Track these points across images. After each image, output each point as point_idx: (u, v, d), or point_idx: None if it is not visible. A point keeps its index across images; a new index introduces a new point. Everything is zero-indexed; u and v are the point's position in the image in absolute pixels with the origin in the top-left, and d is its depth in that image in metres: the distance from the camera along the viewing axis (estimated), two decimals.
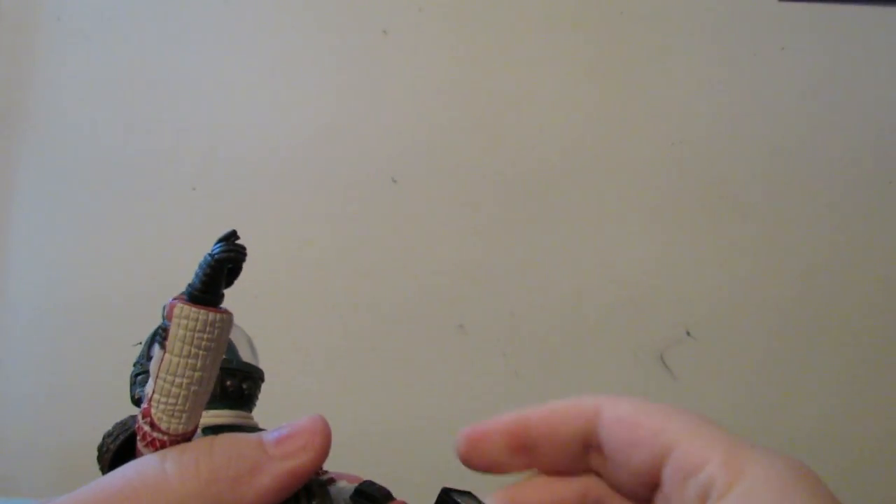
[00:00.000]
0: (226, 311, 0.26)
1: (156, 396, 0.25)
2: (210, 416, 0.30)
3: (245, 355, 0.34)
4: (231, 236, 0.26)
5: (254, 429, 0.32)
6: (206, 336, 0.25)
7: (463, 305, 0.95)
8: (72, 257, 1.01)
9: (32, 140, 1.03)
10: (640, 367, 0.93)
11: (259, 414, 0.33)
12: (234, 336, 0.33)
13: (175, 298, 0.25)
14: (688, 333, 0.94)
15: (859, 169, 0.94)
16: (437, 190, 0.97)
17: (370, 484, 0.30)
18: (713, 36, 0.96)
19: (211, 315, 0.25)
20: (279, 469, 0.25)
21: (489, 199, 0.96)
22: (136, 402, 0.33)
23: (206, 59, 1.01)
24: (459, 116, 0.98)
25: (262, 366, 0.35)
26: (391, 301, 0.96)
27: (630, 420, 0.28)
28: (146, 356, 0.34)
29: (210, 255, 0.25)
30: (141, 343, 0.35)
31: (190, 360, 0.25)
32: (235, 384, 0.32)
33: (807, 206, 0.94)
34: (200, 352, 0.25)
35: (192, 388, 0.25)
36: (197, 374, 0.25)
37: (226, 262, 0.25)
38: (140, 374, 0.34)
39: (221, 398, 0.31)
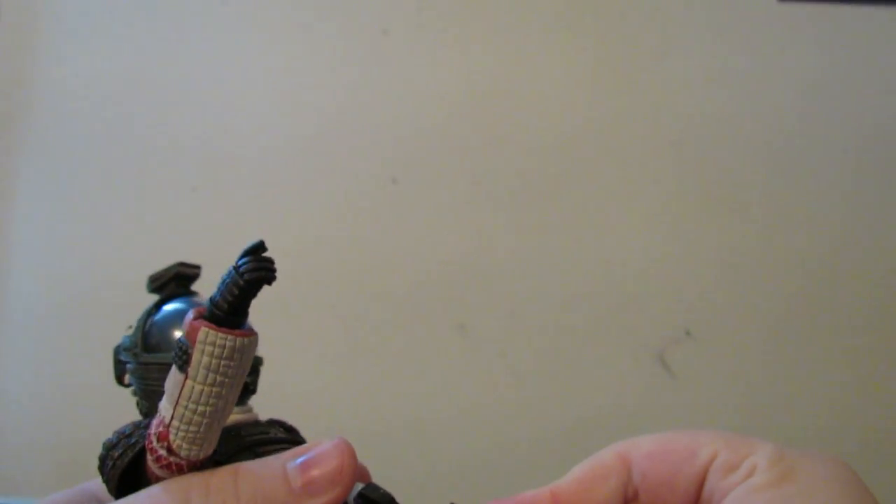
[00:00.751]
0: (252, 333, 0.24)
1: (175, 423, 0.24)
2: None
3: None
4: (259, 248, 0.23)
5: (256, 423, 0.31)
6: (232, 363, 0.23)
7: (463, 305, 0.95)
8: (71, 257, 1.01)
9: (32, 140, 1.03)
10: (639, 367, 0.93)
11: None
12: None
13: (196, 318, 0.23)
14: (688, 333, 0.94)
15: (859, 169, 0.94)
16: (437, 190, 0.97)
17: (374, 488, 0.29)
18: (713, 36, 0.96)
19: (239, 341, 0.23)
20: None
21: (489, 199, 0.96)
22: (125, 385, 0.33)
23: (206, 59, 1.01)
24: (459, 116, 0.98)
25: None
26: (391, 301, 0.96)
27: (662, 451, 0.27)
28: (140, 344, 0.33)
29: (237, 270, 0.23)
30: (132, 327, 0.35)
31: (214, 388, 0.23)
32: None
33: (806, 205, 0.94)
34: (226, 379, 0.23)
35: (216, 415, 0.24)
36: (220, 402, 0.24)
37: (256, 284, 0.23)
38: (129, 362, 0.33)
39: None
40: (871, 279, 0.93)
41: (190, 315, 0.23)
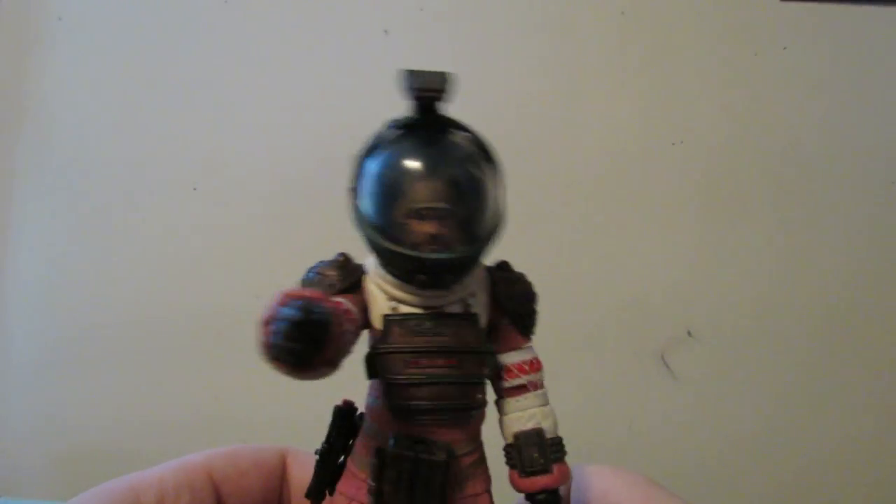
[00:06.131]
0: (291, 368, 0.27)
1: None
2: None
3: None
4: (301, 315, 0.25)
5: None
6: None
7: None
8: (72, 257, 1.01)
9: (32, 139, 1.03)
10: (641, 367, 0.93)
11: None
12: None
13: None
14: (689, 334, 0.94)
15: (861, 169, 0.94)
16: None
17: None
18: (715, 36, 0.95)
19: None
20: None
21: None
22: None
23: (207, 59, 1.01)
24: (459, 116, 0.98)
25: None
26: None
27: (590, 483, 0.33)
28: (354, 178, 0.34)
29: (277, 332, 0.25)
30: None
31: None
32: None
33: (808, 205, 0.94)
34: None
35: None
36: None
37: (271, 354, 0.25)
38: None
39: None
40: (870, 278, 0.93)
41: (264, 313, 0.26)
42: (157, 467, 0.32)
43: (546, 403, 0.35)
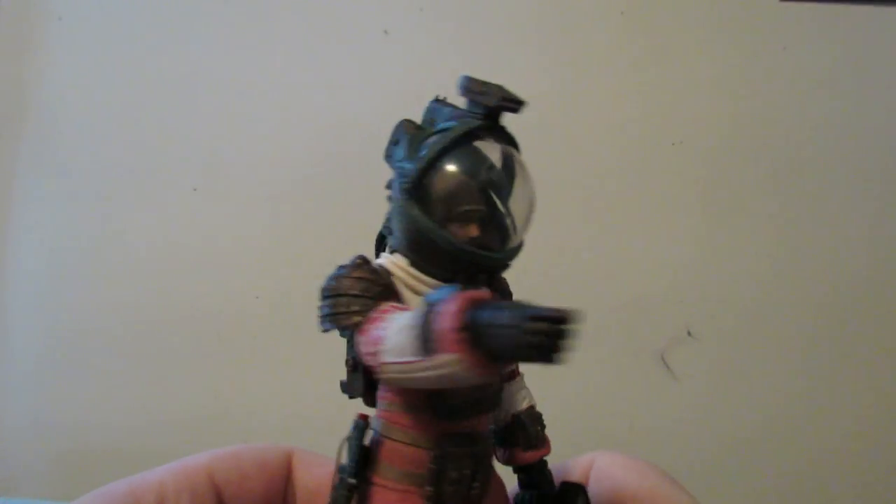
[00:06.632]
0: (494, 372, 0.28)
1: (387, 367, 0.28)
2: None
3: None
4: (561, 320, 0.22)
5: None
6: (455, 381, 0.26)
7: None
8: (72, 257, 1.01)
9: (32, 139, 1.03)
10: (641, 367, 0.93)
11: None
12: None
13: (459, 329, 0.23)
14: (689, 334, 0.93)
15: (861, 169, 0.94)
16: None
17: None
18: (714, 36, 0.95)
19: (477, 378, 0.24)
20: None
21: None
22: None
23: (207, 59, 1.01)
24: None
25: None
26: None
27: (607, 472, 0.35)
28: (414, 178, 0.34)
29: (523, 329, 0.21)
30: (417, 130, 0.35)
31: (425, 380, 0.27)
32: None
33: (808, 206, 0.94)
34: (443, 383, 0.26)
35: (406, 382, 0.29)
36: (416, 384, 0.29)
37: (531, 356, 0.22)
38: (399, 183, 0.35)
39: None
40: (871, 279, 0.93)
41: (450, 321, 0.23)
42: (158, 469, 0.32)
43: (525, 385, 0.38)
